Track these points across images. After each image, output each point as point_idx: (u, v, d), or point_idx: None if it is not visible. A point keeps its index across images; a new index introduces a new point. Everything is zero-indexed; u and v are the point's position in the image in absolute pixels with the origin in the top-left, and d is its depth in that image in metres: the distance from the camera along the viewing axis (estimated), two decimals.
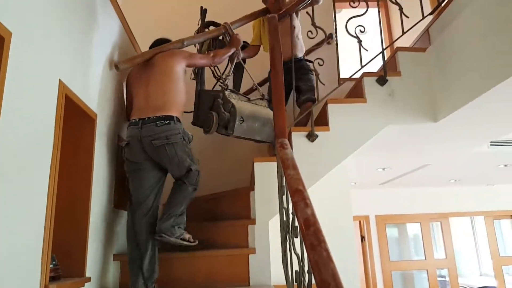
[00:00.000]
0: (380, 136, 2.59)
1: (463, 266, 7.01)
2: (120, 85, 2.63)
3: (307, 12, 2.68)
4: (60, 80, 1.63)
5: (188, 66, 2.51)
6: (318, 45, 3.39)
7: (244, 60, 2.91)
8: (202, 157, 2.72)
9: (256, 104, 2.62)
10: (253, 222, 2.22)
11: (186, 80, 2.50)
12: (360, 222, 6.17)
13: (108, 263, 2.24)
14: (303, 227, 1.26)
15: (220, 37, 2.84)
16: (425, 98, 2.62)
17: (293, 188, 1.51)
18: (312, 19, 2.64)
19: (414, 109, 2.59)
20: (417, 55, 2.73)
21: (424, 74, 2.67)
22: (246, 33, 3.05)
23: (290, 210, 1.74)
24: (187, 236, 2.14)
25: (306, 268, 1.43)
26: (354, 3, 2.69)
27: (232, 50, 2.70)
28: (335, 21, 2.94)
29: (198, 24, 2.96)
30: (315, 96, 2.75)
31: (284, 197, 1.96)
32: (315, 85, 2.73)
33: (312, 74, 2.86)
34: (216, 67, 2.81)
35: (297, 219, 1.34)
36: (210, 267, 2.20)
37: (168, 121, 2.19)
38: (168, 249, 2.21)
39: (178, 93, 2.33)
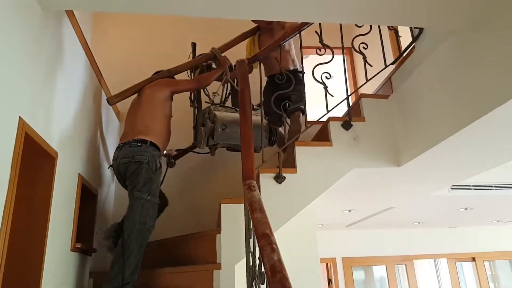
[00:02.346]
0: (346, 179, 2.63)
1: None
2: (88, 124, 2.58)
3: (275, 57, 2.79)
4: (20, 118, 1.58)
5: (173, 92, 2.64)
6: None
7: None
8: (167, 197, 2.68)
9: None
10: (218, 266, 2.14)
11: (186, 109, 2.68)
12: (327, 264, 6.12)
13: None
14: (270, 273, 1.23)
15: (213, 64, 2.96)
16: (388, 143, 2.71)
17: (259, 231, 1.49)
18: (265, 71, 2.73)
19: (378, 153, 2.67)
20: (380, 101, 2.86)
21: (387, 120, 2.78)
22: (241, 53, 3.20)
23: (257, 255, 1.70)
24: None
25: None
26: (320, 50, 2.83)
27: (220, 72, 2.80)
28: (302, 66, 3.06)
29: (189, 58, 3.08)
30: (304, 107, 2.89)
31: (251, 240, 1.92)
32: (304, 96, 2.92)
33: (303, 86, 2.98)
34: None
35: (263, 265, 1.31)
36: None
37: (140, 144, 2.32)
38: None
39: (157, 119, 2.47)
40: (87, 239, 2.57)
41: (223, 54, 2.92)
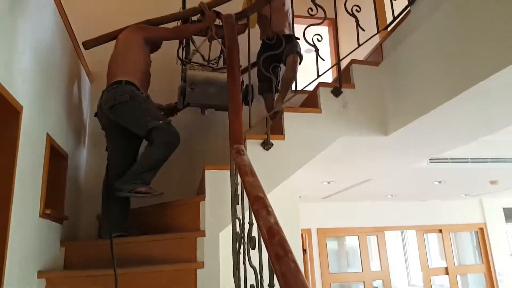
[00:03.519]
0: (333, 147, 2.55)
1: (394, 278, 7.29)
2: (57, 80, 2.34)
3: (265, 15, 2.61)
4: None
5: (146, 37, 2.57)
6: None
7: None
8: None
9: (219, 72, 2.62)
10: (202, 234, 2.04)
11: None
12: (302, 235, 6.19)
13: (32, 282, 1.93)
14: (267, 236, 1.14)
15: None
16: (378, 111, 2.64)
17: (253, 195, 1.38)
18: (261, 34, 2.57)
19: (366, 121, 2.60)
20: (370, 68, 2.75)
21: (377, 88, 2.69)
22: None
23: (247, 220, 1.61)
24: (143, 188, 2.25)
25: (266, 282, 1.30)
26: (312, 10, 2.67)
27: (203, 26, 2.69)
28: (293, 30, 2.90)
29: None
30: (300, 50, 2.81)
31: (238, 206, 1.82)
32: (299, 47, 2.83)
33: (297, 42, 2.87)
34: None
35: (259, 228, 1.21)
36: (154, 285, 1.97)
37: (116, 85, 2.35)
38: (104, 265, 1.96)
39: (131, 61, 2.48)
40: (58, 205, 2.38)
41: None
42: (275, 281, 1.15)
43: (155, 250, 2.11)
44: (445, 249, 6.88)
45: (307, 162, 2.37)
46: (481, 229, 6.99)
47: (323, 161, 3.08)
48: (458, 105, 2.16)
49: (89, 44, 2.61)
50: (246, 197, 1.62)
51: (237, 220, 1.81)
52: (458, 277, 6.81)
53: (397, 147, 3.01)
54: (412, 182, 4.91)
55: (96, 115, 2.52)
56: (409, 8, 2.55)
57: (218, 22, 2.74)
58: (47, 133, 2.15)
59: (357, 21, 2.71)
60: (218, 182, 2.15)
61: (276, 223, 1.19)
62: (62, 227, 2.46)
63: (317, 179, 4.24)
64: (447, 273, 6.76)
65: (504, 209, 7.13)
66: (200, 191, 2.62)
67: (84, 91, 3.09)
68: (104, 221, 2.38)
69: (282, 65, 3.03)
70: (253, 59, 2.92)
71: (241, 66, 2.33)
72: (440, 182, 4.88)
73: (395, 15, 2.69)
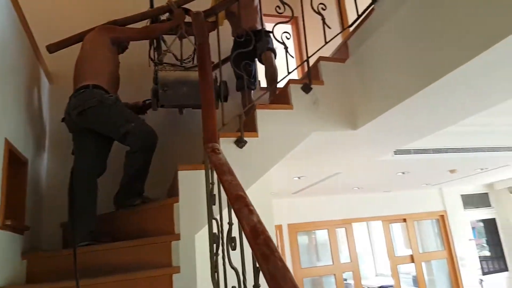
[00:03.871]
0: (305, 143, 2.57)
1: (362, 268, 7.51)
2: (13, 81, 2.20)
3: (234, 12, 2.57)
4: None
5: (113, 38, 2.52)
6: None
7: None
8: (118, 167, 2.43)
9: (191, 70, 2.60)
10: (177, 237, 1.98)
11: None
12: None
13: None
14: (251, 236, 1.12)
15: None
16: (347, 106, 2.68)
17: (233, 194, 1.36)
18: (232, 31, 2.54)
19: (336, 117, 2.63)
20: (337, 65, 2.79)
21: (345, 84, 2.73)
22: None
23: (226, 220, 1.58)
24: (138, 201, 2.35)
25: (249, 283, 1.28)
26: (280, 8, 2.66)
27: (172, 24, 2.65)
28: (262, 24, 2.89)
29: None
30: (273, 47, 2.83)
31: (215, 207, 1.79)
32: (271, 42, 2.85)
33: (270, 38, 2.89)
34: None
35: (242, 228, 1.19)
36: None
37: (83, 90, 2.30)
38: (71, 277, 1.86)
39: (98, 63, 2.41)
40: (19, 214, 2.24)
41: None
42: (261, 281, 1.14)
43: (127, 256, 2.02)
44: (410, 237, 7.15)
45: (281, 159, 2.37)
46: (442, 216, 7.32)
47: (295, 156, 3.09)
48: (423, 99, 2.23)
49: (54, 47, 2.55)
50: (223, 197, 1.60)
51: (214, 221, 1.77)
52: (423, 264, 7.09)
53: (366, 141, 3.08)
54: (378, 174, 5.05)
55: (63, 120, 2.46)
56: (372, 5, 2.60)
57: (188, 19, 2.68)
58: (5, 138, 2.02)
59: (323, 19, 2.75)
60: (191, 183, 2.09)
61: (260, 222, 1.18)
62: (23, 237, 2.31)
63: (288, 174, 4.27)
64: (412, 261, 7.02)
65: (462, 196, 7.52)
66: (172, 193, 2.56)
67: (43, 93, 2.93)
68: (70, 229, 2.28)
69: (259, 62, 3.03)
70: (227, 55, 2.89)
71: (213, 62, 2.29)
72: (403, 173, 5.05)
73: (359, 13, 2.75)
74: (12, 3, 2.17)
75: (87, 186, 2.29)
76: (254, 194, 2.89)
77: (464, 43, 1.82)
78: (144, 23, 2.82)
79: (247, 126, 2.42)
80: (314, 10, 2.73)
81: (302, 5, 2.74)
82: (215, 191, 1.75)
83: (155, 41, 2.89)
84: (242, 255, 1.39)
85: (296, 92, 2.57)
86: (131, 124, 2.30)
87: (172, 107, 2.77)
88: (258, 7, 2.97)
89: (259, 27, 2.93)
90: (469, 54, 1.79)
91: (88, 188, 2.29)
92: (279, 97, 2.83)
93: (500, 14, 1.61)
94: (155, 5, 2.93)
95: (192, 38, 2.66)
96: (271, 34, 2.92)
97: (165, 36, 2.84)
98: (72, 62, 3.12)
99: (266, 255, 1.02)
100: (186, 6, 2.72)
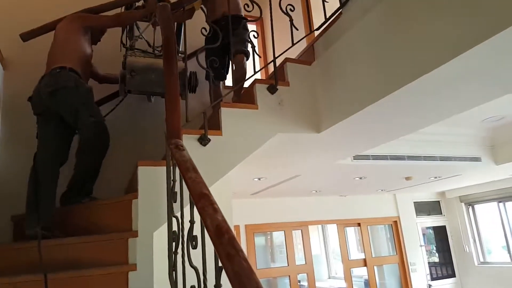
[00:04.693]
0: (268, 144, 2.57)
1: (316, 270, 7.65)
2: None
3: (201, 8, 2.53)
4: None
5: (85, 25, 2.52)
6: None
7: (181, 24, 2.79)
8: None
9: (161, 58, 2.52)
10: (135, 234, 1.90)
11: None
12: None
13: None
14: (215, 235, 1.09)
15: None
16: (311, 109, 2.70)
17: (197, 192, 1.32)
18: (207, 16, 2.51)
19: (300, 119, 2.65)
20: (303, 67, 2.82)
21: (310, 86, 2.76)
22: None
23: (187, 218, 1.54)
24: (86, 199, 2.30)
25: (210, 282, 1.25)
26: (248, 6, 2.65)
27: (145, 12, 2.64)
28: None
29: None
30: (247, 49, 2.81)
31: (176, 204, 1.74)
32: (248, 39, 2.84)
33: (246, 30, 2.88)
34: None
35: (206, 227, 1.16)
36: None
37: (59, 70, 2.28)
38: (23, 271, 1.74)
39: (70, 48, 2.40)
40: None
41: None
42: (223, 281, 1.11)
43: (82, 253, 1.92)
44: (363, 241, 7.36)
45: (245, 158, 2.36)
46: (395, 222, 7.59)
47: (256, 157, 3.08)
48: (385, 105, 2.29)
49: (27, 36, 2.60)
50: (185, 194, 1.55)
51: (174, 219, 1.72)
52: (375, 268, 7.32)
53: (327, 144, 3.13)
54: (336, 178, 5.16)
55: (29, 99, 2.39)
56: (340, 10, 2.65)
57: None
58: None
59: (291, 20, 2.76)
60: (152, 179, 2.03)
61: (224, 220, 1.15)
62: None
63: (248, 175, 4.26)
64: (365, 265, 7.23)
65: (415, 203, 7.83)
66: (130, 189, 2.47)
67: None
68: (30, 216, 2.13)
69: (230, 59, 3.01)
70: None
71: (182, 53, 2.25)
72: (361, 178, 5.20)
73: (327, 17, 2.79)
74: None
75: (51, 172, 2.24)
76: (214, 193, 2.87)
77: (427, 52, 1.89)
78: (118, 10, 2.76)
79: (211, 124, 2.38)
80: (283, 11, 2.75)
81: (270, 5, 2.74)
82: (177, 188, 1.70)
83: (128, 26, 2.88)
84: (204, 254, 1.36)
85: (261, 92, 2.56)
86: (91, 118, 2.26)
87: (139, 93, 2.75)
88: None
89: (234, 13, 2.89)
90: (435, 62, 1.85)
91: (52, 175, 2.24)
92: (244, 96, 2.81)
93: (467, 23, 1.68)
94: None
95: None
96: (244, 21, 2.93)
97: (139, 23, 2.82)
98: (28, 47, 2.97)
99: (231, 255, 0.99)
100: None
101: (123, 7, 2.80)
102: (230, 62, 2.89)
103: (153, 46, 2.80)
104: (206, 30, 2.50)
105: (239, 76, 2.85)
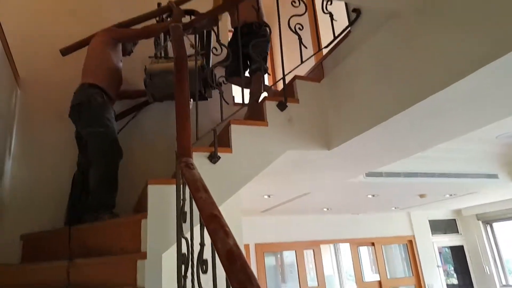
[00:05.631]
0: (278, 161, 2.53)
1: None
2: None
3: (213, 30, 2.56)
4: None
5: (114, 38, 2.70)
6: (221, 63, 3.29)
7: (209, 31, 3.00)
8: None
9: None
10: (143, 256, 1.85)
11: None
12: None
13: None
14: (227, 261, 1.04)
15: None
16: (321, 126, 2.67)
17: (207, 213, 1.28)
18: (217, 36, 2.52)
19: (310, 136, 2.62)
20: (313, 84, 2.80)
21: (320, 103, 2.74)
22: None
23: (197, 239, 1.49)
24: (106, 216, 2.27)
25: None
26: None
27: (171, 23, 2.70)
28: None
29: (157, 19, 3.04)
30: (266, 65, 2.89)
31: (185, 224, 1.70)
32: (267, 52, 2.95)
33: (268, 42, 2.98)
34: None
35: (217, 251, 1.11)
36: None
37: (79, 87, 2.50)
38: None
39: (97, 62, 2.59)
40: None
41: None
42: None
43: (90, 274, 1.88)
44: (378, 262, 7.14)
45: (256, 175, 2.32)
46: (410, 241, 7.36)
47: (266, 174, 3.04)
48: (396, 124, 2.25)
49: (66, 51, 2.80)
50: (195, 214, 1.51)
51: (183, 240, 1.67)
52: None
53: (339, 162, 3.08)
54: (348, 196, 5.07)
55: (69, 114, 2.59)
56: (349, 28, 2.65)
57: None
58: None
59: (300, 39, 2.77)
60: (162, 198, 1.99)
61: (236, 245, 1.10)
62: None
63: (258, 192, 4.21)
64: (380, 287, 6.99)
65: (430, 221, 7.59)
66: (139, 208, 2.44)
67: (12, 98, 2.80)
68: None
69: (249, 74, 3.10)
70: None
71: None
72: (373, 195, 5.10)
73: (336, 35, 2.78)
74: None
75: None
76: (223, 211, 2.83)
77: (437, 71, 1.86)
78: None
79: (220, 141, 2.35)
80: (292, 30, 2.75)
81: (279, 24, 2.74)
82: (187, 208, 1.66)
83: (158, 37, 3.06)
84: (214, 279, 1.31)
85: (271, 109, 2.55)
86: (101, 129, 2.38)
87: (162, 97, 2.87)
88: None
89: (259, 20, 3.00)
90: (444, 82, 1.82)
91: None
92: (253, 114, 2.79)
93: (477, 42, 1.65)
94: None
95: (190, 36, 2.74)
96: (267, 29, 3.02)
97: None
98: (42, 69, 3.03)
99: (242, 282, 0.95)
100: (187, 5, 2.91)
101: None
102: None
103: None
104: (216, 50, 2.54)
105: (256, 90, 2.92)
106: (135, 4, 3.38)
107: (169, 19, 2.92)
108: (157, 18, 3.01)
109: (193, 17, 2.89)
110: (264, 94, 3.08)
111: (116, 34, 2.73)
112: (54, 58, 3.05)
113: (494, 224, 7.61)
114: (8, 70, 2.63)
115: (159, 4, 3.10)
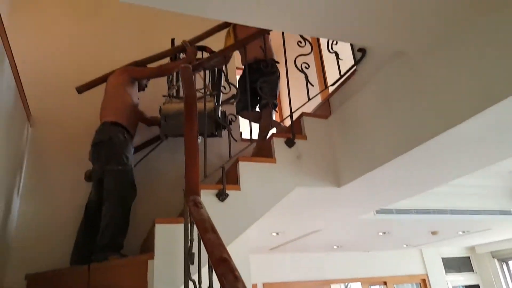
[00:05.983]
0: (288, 198, 2.50)
1: None
2: None
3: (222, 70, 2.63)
4: None
5: (132, 76, 2.80)
6: (228, 100, 3.35)
7: (220, 69, 3.07)
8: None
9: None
10: None
11: None
12: None
13: None
14: None
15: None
16: (329, 163, 2.66)
17: (216, 256, 1.25)
18: (226, 75, 2.58)
19: (319, 173, 2.60)
20: (320, 121, 2.82)
21: (328, 140, 2.75)
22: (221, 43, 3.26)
23: (204, 282, 1.45)
24: (112, 256, 2.22)
25: None
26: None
27: (186, 62, 2.83)
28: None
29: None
30: (276, 101, 2.94)
31: (193, 266, 1.66)
32: (277, 91, 3.01)
33: (278, 78, 3.05)
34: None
35: None
36: None
37: (102, 126, 2.57)
38: None
39: (117, 100, 2.66)
40: None
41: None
42: None
43: None
44: None
45: (265, 213, 2.29)
46: (423, 280, 7.08)
47: (275, 211, 3.01)
48: (405, 161, 2.24)
49: (82, 88, 2.87)
50: (203, 256, 1.48)
51: (191, 283, 1.63)
52: None
53: (349, 199, 3.03)
54: (358, 233, 4.96)
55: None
56: (355, 67, 2.68)
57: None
58: None
59: (306, 77, 2.82)
60: (169, 238, 1.96)
61: None
62: None
63: (266, 229, 4.13)
64: None
65: (443, 258, 7.33)
66: (146, 248, 2.40)
67: (23, 136, 2.84)
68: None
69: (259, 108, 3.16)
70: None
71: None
72: (384, 233, 4.98)
73: (341, 73, 2.83)
74: (4, 46, 2.11)
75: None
76: (230, 249, 2.77)
77: (447, 108, 1.86)
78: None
79: (228, 177, 2.34)
80: (298, 68, 2.81)
81: (286, 63, 2.80)
82: (195, 249, 1.63)
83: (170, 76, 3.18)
84: None
85: (279, 146, 2.55)
86: (118, 167, 2.42)
87: (175, 136, 2.91)
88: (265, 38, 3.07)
89: (269, 57, 3.06)
90: (451, 122, 1.82)
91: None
92: (261, 151, 2.80)
93: (487, 81, 1.66)
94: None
95: (202, 73, 2.78)
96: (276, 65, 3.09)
97: None
98: (53, 106, 3.09)
99: None
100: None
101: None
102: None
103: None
104: (225, 88, 2.60)
105: (266, 125, 2.98)
106: (147, 42, 3.51)
107: (181, 55, 3.04)
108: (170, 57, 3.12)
109: (205, 53, 3.01)
110: (273, 130, 3.09)
111: (135, 73, 2.84)
112: (66, 96, 3.14)
113: (511, 262, 7.32)
114: (20, 107, 2.67)
115: (172, 40, 3.23)
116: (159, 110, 2.87)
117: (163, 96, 3.06)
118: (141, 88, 3.00)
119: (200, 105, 2.66)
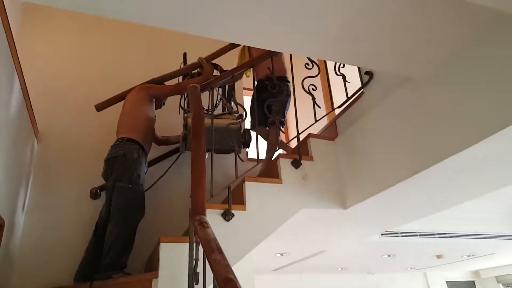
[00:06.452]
0: (294, 219, 2.49)
1: None
2: (3, 140, 2.12)
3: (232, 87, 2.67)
4: None
5: (150, 94, 2.84)
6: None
7: (230, 86, 3.12)
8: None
9: (217, 118, 2.80)
10: None
11: None
12: None
13: None
14: None
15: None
16: (336, 184, 2.67)
17: (222, 277, 1.25)
18: (234, 95, 2.62)
19: (326, 194, 2.60)
20: (327, 142, 2.84)
21: (334, 161, 2.75)
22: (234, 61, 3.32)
23: None
24: (116, 275, 2.18)
25: None
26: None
27: (202, 79, 2.89)
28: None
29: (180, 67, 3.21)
30: (284, 119, 2.97)
31: (198, 286, 1.65)
32: (286, 109, 3.04)
33: (288, 96, 3.08)
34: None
35: None
36: None
37: (118, 142, 2.56)
38: None
39: (135, 117, 2.69)
40: None
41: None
42: None
43: None
44: None
45: (270, 233, 2.28)
46: None
47: (280, 231, 2.99)
48: (412, 185, 2.23)
49: (101, 106, 2.89)
50: (208, 275, 1.47)
51: None
52: None
53: (354, 221, 3.02)
54: (363, 255, 4.91)
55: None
56: (362, 90, 2.72)
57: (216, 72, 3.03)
58: None
59: (313, 99, 2.85)
60: (174, 257, 1.95)
61: None
62: None
63: (270, 250, 4.10)
64: None
65: (448, 282, 7.24)
66: (150, 266, 2.39)
67: (30, 152, 2.86)
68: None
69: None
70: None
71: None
72: (389, 255, 4.93)
73: (349, 96, 2.86)
74: (13, 61, 2.16)
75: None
76: (235, 269, 2.75)
77: (455, 133, 1.87)
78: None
79: (234, 197, 2.35)
80: (305, 91, 2.84)
81: (293, 85, 2.85)
82: (199, 269, 1.63)
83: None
84: None
85: (285, 167, 2.56)
86: (129, 185, 2.39)
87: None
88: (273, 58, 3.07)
89: (278, 75, 3.09)
90: (458, 146, 1.83)
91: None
92: (267, 171, 2.81)
93: (495, 106, 1.68)
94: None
95: (218, 89, 2.91)
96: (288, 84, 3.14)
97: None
98: (60, 122, 3.11)
99: None
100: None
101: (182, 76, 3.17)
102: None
103: (208, 108, 3.00)
104: (232, 108, 2.64)
105: (273, 141, 3.01)
106: (157, 57, 3.59)
107: (197, 72, 3.10)
108: (186, 74, 3.17)
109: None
110: (280, 151, 3.11)
111: (154, 90, 2.87)
112: (74, 112, 3.17)
113: None
114: (27, 123, 2.68)
115: (184, 55, 3.29)
116: (185, 124, 2.85)
117: (183, 109, 3.10)
118: (159, 105, 3.03)
119: (222, 122, 2.77)
